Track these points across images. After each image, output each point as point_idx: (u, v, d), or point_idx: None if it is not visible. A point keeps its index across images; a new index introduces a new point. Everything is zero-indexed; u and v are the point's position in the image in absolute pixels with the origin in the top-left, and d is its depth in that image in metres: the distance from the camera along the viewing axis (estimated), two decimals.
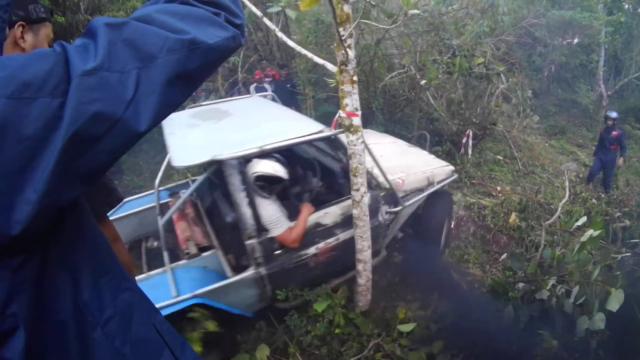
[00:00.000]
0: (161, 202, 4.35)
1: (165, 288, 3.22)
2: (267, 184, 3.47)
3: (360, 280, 3.78)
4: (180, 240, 3.89)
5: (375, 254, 4.32)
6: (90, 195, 1.36)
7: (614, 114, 8.52)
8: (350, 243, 3.87)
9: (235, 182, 3.19)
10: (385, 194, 4.19)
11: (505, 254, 5.48)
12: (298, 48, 3.39)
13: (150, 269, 3.89)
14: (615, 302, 3.42)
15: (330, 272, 4.21)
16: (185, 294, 3.18)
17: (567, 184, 6.10)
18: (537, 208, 6.60)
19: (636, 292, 4.18)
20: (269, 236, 3.46)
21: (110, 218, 4.69)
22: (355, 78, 2.87)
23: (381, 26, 2.60)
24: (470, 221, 6.23)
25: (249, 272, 3.50)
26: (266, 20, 3.73)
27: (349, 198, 3.62)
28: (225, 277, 3.42)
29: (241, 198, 3.24)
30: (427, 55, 7.10)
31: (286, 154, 3.79)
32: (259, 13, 3.66)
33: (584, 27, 13.32)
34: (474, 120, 8.16)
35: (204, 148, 3.36)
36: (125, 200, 4.74)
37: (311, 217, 3.69)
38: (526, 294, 4.42)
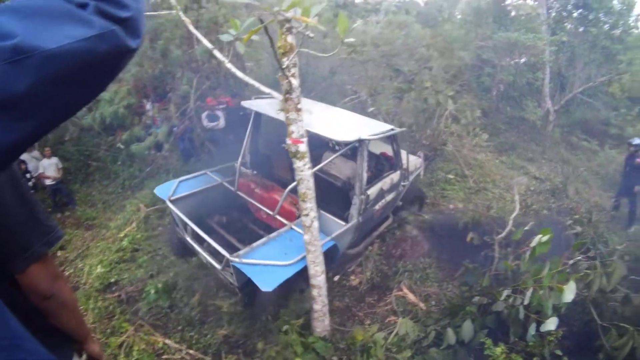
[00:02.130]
0: (214, 183, 5.68)
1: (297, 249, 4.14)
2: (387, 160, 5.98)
3: (316, 306, 3.76)
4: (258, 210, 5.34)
5: (385, 219, 6.40)
6: (25, 234, 1.31)
7: (636, 141, 8.59)
8: (388, 205, 6.00)
9: (364, 155, 4.86)
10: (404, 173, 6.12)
11: (461, 269, 5.60)
12: (246, 78, 3.41)
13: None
14: (569, 294, 3.54)
15: (374, 225, 6.01)
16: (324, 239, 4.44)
17: (516, 197, 6.30)
18: (489, 223, 6.81)
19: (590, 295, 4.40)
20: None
21: (172, 198, 5.16)
22: (300, 106, 2.90)
23: (320, 54, 2.64)
24: (425, 240, 6.35)
25: (354, 221, 5.01)
26: (216, 52, 3.74)
27: (390, 173, 5.86)
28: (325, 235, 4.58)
29: (365, 167, 4.90)
30: (379, 82, 7.28)
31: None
32: (209, 45, 3.68)
33: (529, 48, 13.99)
34: (425, 142, 8.35)
35: (348, 131, 4.92)
36: (180, 179, 5.64)
37: (377, 185, 5.46)
38: (482, 307, 4.53)
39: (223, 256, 4.20)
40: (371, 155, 5.89)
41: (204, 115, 8.65)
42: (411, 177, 6.55)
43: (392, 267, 5.92)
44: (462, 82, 10.63)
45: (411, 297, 5.28)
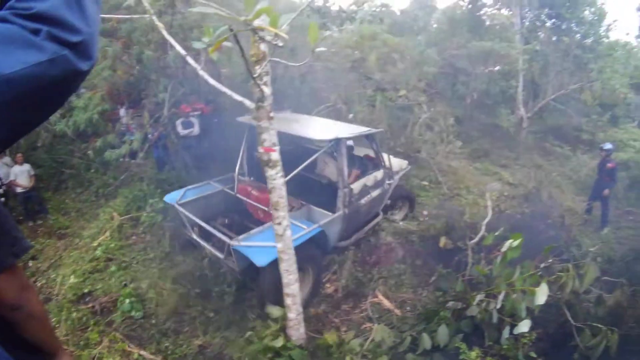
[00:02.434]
0: (217, 190, 6.29)
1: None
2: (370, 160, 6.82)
3: (291, 315, 3.74)
4: (256, 210, 6.02)
5: (375, 215, 6.95)
6: None
7: (607, 146, 8.89)
8: (375, 201, 6.53)
9: (343, 153, 5.52)
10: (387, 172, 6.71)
11: (435, 275, 5.66)
12: (218, 86, 3.39)
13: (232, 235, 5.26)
14: (541, 296, 3.60)
15: (363, 220, 6.55)
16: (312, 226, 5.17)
17: (488, 203, 6.39)
18: (463, 228, 6.91)
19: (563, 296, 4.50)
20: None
21: (180, 202, 5.70)
22: (272, 114, 2.90)
23: (291, 64, 2.65)
24: (399, 246, 6.40)
25: (340, 212, 5.62)
26: (189, 59, 3.71)
27: (374, 171, 6.51)
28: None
29: (345, 163, 5.52)
30: (353, 90, 7.35)
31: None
32: (182, 52, 3.65)
33: (503, 56, 14.27)
34: (399, 149, 8.43)
35: (325, 131, 5.84)
36: (186, 188, 6.20)
37: (360, 181, 6.10)
38: (456, 311, 4.58)
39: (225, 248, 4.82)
40: (355, 157, 6.82)
41: (178, 122, 8.59)
42: (397, 177, 7.17)
43: (367, 274, 5.95)
44: (436, 91, 10.78)
45: (386, 303, 5.31)
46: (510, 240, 4.06)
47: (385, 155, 6.79)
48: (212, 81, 3.55)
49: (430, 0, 19.74)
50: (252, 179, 6.62)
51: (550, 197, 9.77)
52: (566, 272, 4.71)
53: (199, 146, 8.84)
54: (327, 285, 5.41)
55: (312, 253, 5.27)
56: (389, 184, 6.87)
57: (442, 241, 6.25)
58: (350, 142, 6.41)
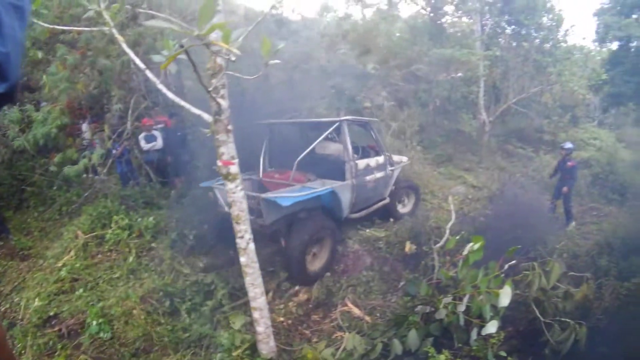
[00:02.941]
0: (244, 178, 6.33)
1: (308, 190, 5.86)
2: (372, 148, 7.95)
3: (260, 328, 3.70)
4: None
5: (382, 199, 7.79)
6: None
7: (567, 145, 9.19)
8: (379, 182, 7.47)
9: (346, 132, 6.65)
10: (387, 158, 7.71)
11: (403, 280, 5.70)
12: (176, 99, 3.35)
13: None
14: (504, 298, 3.65)
15: (371, 197, 7.41)
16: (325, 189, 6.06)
17: (452, 207, 6.49)
18: (428, 233, 7.01)
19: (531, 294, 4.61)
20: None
21: (216, 185, 6.39)
22: (230, 127, 2.88)
23: (245, 77, 2.65)
24: (366, 253, 6.44)
25: (348, 180, 6.61)
26: (148, 73, 3.66)
27: (374, 157, 7.56)
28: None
29: (349, 142, 6.64)
30: (318, 100, 7.44)
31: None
32: (142, 65, 3.59)
33: (463, 63, 14.60)
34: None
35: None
36: (217, 178, 6.45)
37: (364, 161, 7.15)
38: (425, 315, 4.62)
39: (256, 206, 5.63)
40: (358, 146, 7.78)
41: (141, 136, 8.46)
42: (398, 166, 8.28)
43: (335, 282, 5.97)
44: (399, 98, 10.94)
45: (356, 311, 5.32)
46: (472, 243, 4.13)
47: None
48: (170, 95, 3.50)
49: (393, 9, 20.00)
50: (272, 168, 7.58)
51: (515, 197, 10.00)
52: (532, 271, 4.84)
53: (162, 160, 8.73)
54: (295, 297, 5.39)
55: (327, 222, 6.25)
56: (391, 170, 7.91)
57: (407, 246, 6.33)
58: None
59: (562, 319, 4.41)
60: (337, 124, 6.74)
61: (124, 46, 3.64)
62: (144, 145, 8.48)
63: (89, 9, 3.49)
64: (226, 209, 6.03)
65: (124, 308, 5.25)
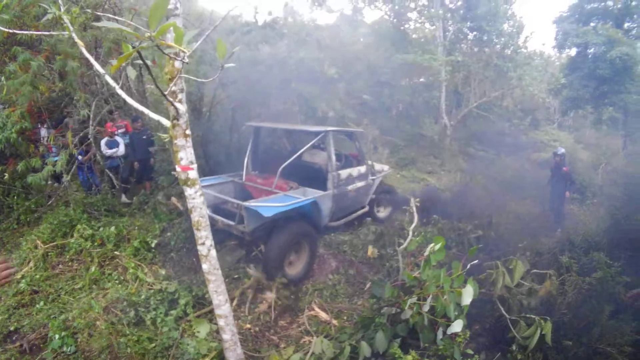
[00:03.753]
0: (227, 180, 7.47)
1: (290, 199, 6.13)
2: (354, 157, 8.21)
3: (226, 336, 3.63)
4: (260, 195, 6.85)
5: (361, 207, 8.06)
6: None
7: (560, 150, 9.33)
8: (360, 191, 7.72)
9: (331, 143, 6.89)
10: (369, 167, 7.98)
11: (369, 282, 5.73)
12: (135, 104, 3.27)
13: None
14: (467, 297, 3.71)
15: (351, 205, 7.63)
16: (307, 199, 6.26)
17: (414, 209, 6.58)
18: (392, 235, 7.09)
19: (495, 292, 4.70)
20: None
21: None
22: (188, 132, 2.84)
23: (199, 80, 2.62)
24: (331, 257, 6.46)
25: (330, 190, 6.87)
26: (107, 77, 3.56)
27: (357, 166, 7.87)
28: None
29: (332, 152, 6.85)
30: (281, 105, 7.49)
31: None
32: (101, 70, 3.49)
33: (425, 68, 14.90)
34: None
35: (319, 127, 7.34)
36: (202, 179, 6.21)
37: (346, 170, 7.39)
38: (391, 317, 4.64)
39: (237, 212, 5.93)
40: (342, 154, 8.15)
41: (103, 141, 8.29)
42: (379, 175, 8.54)
43: (302, 287, 5.98)
44: (362, 103, 11.05)
45: (323, 315, 5.32)
46: (432, 244, 4.19)
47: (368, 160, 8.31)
48: (129, 99, 3.41)
49: (358, 15, 20.21)
50: (256, 172, 7.76)
51: (478, 198, 10.22)
52: (496, 269, 4.95)
53: (125, 166, 8.56)
54: (261, 303, 5.35)
55: (306, 229, 6.32)
56: (372, 180, 8.18)
57: (370, 250, 6.40)
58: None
59: (528, 315, 4.52)
60: (322, 133, 6.94)
61: (84, 50, 3.54)
62: (106, 151, 8.32)
63: (48, 12, 3.39)
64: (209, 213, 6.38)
65: (87, 320, 5.07)
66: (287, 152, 7.36)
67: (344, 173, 7.32)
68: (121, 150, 8.45)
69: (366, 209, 8.20)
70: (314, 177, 7.16)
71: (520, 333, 4.40)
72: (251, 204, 5.72)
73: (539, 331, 4.23)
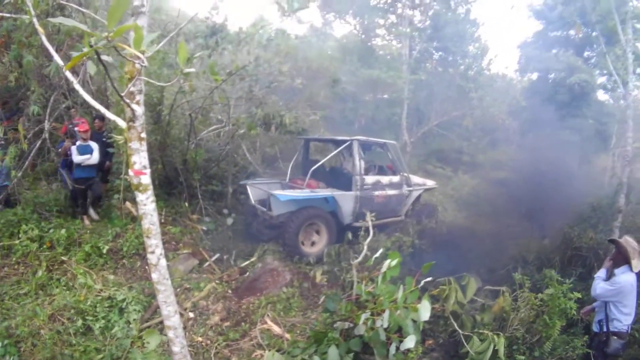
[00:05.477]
0: (273, 181, 8.67)
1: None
2: (389, 169, 8.95)
3: (175, 348, 3.47)
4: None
5: (393, 215, 8.67)
6: None
7: None
8: (391, 198, 8.50)
9: (356, 150, 7.72)
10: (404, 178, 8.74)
11: (323, 296, 5.71)
12: (92, 102, 3.12)
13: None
14: (424, 312, 3.72)
15: (381, 211, 8.05)
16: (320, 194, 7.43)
17: (369, 223, 6.64)
18: (347, 249, 7.16)
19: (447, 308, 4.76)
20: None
21: (249, 183, 8.19)
22: (143, 135, 2.74)
23: (158, 83, 2.55)
24: (286, 270, 6.43)
25: (353, 191, 7.77)
26: (68, 74, 3.39)
27: (389, 175, 8.72)
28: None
29: (357, 158, 7.71)
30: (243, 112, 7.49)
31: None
32: (60, 62, 3.32)
33: (389, 85, 15.16)
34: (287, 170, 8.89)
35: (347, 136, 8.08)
36: (253, 180, 8.58)
37: (374, 177, 8.30)
38: (344, 331, 4.62)
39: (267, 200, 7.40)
40: (374, 164, 9.09)
41: (73, 147, 7.06)
42: (418, 188, 9.13)
43: (254, 300, 5.87)
44: (325, 115, 11.14)
45: (276, 328, 5.24)
46: (389, 260, 4.21)
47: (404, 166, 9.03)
48: (87, 97, 3.26)
49: (327, 27, 20.41)
50: (299, 176, 8.67)
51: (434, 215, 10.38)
52: (449, 285, 5.02)
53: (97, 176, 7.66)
54: (212, 315, 5.23)
55: (323, 214, 7.51)
56: (409, 191, 8.81)
57: (317, 276, 6.44)
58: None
59: (481, 331, 4.59)
60: (348, 142, 7.81)
61: (44, 39, 3.35)
62: (77, 157, 7.06)
63: None
64: (254, 203, 7.84)
65: (31, 328, 4.80)
66: (323, 159, 8.24)
67: (371, 178, 8.11)
68: (94, 159, 7.21)
69: (401, 218, 8.77)
70: (344, 182, 7.97)
71: (474, 348, 4.46)
72: (274, 191, 6.99)
73: (492, 346, 4.31)
